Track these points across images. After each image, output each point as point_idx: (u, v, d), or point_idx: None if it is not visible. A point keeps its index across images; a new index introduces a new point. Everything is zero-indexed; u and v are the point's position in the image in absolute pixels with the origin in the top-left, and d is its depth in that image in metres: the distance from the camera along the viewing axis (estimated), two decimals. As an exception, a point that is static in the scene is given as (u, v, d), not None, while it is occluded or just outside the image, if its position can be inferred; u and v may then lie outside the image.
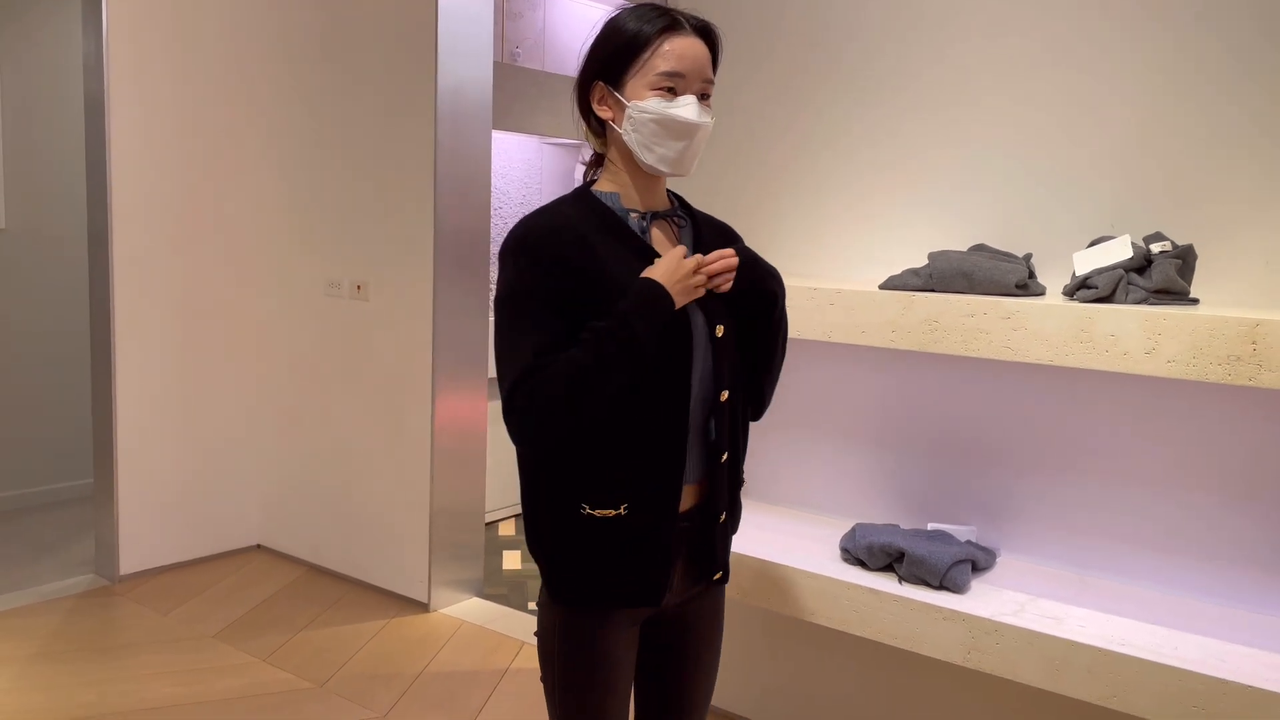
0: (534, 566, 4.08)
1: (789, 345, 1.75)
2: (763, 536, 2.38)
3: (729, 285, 1.45)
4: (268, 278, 4.02)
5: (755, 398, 1.61)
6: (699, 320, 1.47)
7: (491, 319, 4.11)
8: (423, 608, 3.58)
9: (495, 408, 4.25)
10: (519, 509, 4.70)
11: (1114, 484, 2.17)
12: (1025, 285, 2.07)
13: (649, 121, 1.44)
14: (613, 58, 1.46)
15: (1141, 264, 1.93)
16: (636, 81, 1.45)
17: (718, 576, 1.60)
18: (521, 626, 3.44)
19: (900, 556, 2.15)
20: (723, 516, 1.56)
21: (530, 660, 3.18)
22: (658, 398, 1.43)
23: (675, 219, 1.55)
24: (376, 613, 3.53)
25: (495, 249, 4.65)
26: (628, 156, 1.49)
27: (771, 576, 2.23)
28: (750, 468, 1.86)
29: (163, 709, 2.79)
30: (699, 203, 1.66)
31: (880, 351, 2.44)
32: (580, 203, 1.49)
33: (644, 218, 1.51)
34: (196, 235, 3.82)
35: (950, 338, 2.03)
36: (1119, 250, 1.95)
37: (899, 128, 2.43)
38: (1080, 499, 2.21)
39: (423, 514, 3.57)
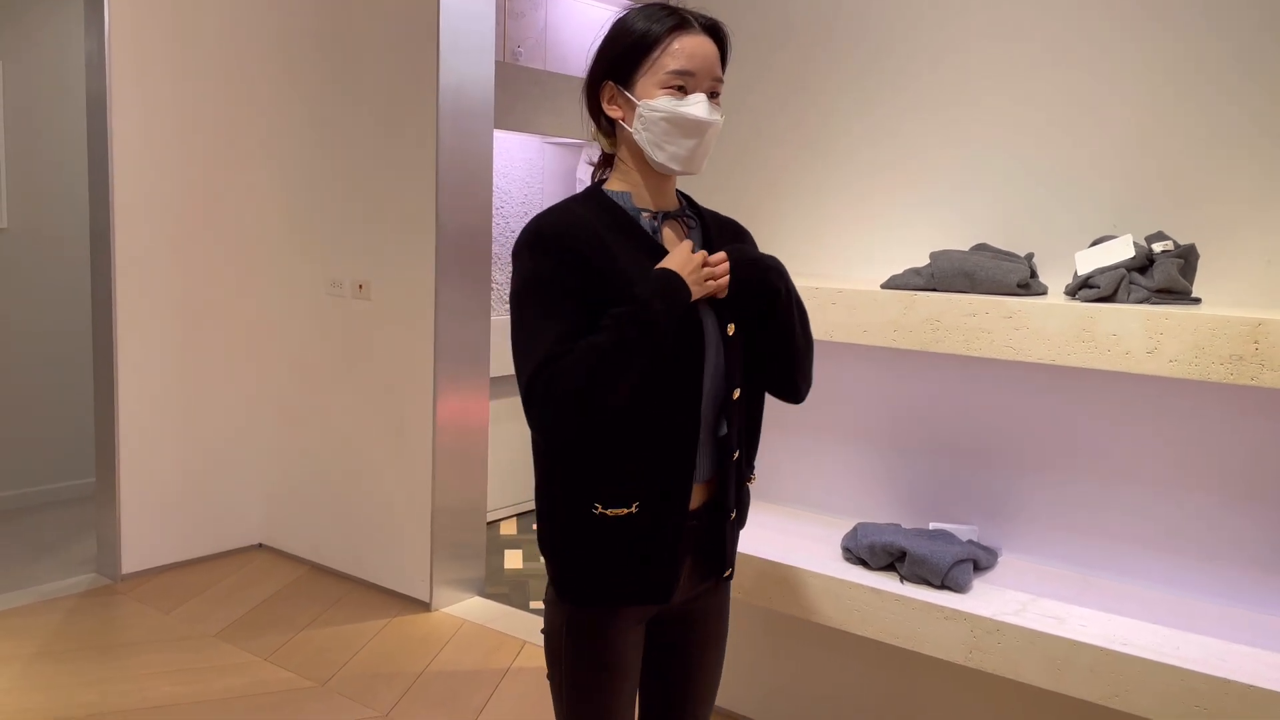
0: (535, 566, 4.08)
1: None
2: (765, 536, 2.38)
3: (724, 292, 1.46)
4: (269, 277, 4.02)
5: (788, 387, 1.60)
6: (710, 320, 1.48)
7: (493, 319, 4.13)
8: (424, 607, 3.58)
9: (497, 406, 4.25)
10: (520, 508, 4.74)
11: (1116, 483, 2.17)
12: (1027, 285, 2.07)
13: (659, 120, 1.44)
14: (622, 57, 1.47)
15: (1143, 263, 1.93)
16: (646, 80, 1.45)
17: (727, 574, 1.60)
18: (523, 626, 3.44)
19: (902, 556, 2.15)
20: (732, 514, 1.56)
21: (532, 660, 3.18)
22: (670, 396, 1.43)
23: (685, 219, 1.56)
24: (378, 612, 3.53)
25: (497, 248, 4.65)
26: (638, 156, 1.49)
27: (773, 576, 2.23)
28: (755, 466, 1.87)
29: (164, 708, 2.79)
30: (702, 202, 1.66)
31: (882, 351, 2.44)
32: (592, 202, 1.50)
33: (655, 217, 1.51)
34: (198, 235, 3.82)
35: (952, 337, 2.03)
36: (1121, 250, 1.95)
37: (900, 127, 2.44)
38: (1082, 498, 2.21)
39: (424, 513, 3.57)
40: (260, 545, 4.15)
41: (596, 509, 1.43)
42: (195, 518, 3.92)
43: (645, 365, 1.37)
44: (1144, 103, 2.11)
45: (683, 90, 1.45)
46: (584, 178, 4.88)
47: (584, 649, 1.51)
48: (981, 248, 2.22)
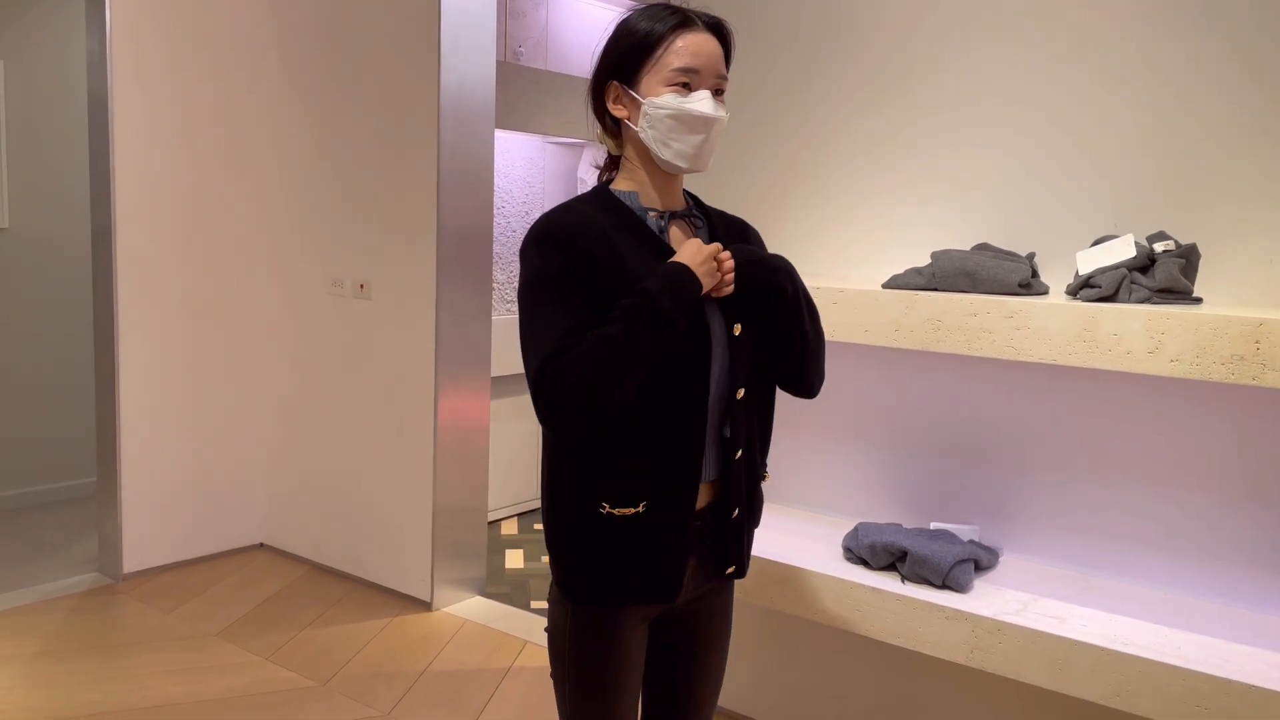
0: (537, 565, 4.09)
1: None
2: (766, 535, 2.38)
3: (730, 289, 1.46)
4: (270, 276, 4.02)
5: (800, 383, 1.60)
6: (717, 320, 1.48)
7: (494, 318, 4.13)
8: (425, 606, 3.58)
9: (498, 406, 4.25)
10: (521, 508, 4.75)
11: (1117, 483, 2.17)
12: (1028, 284, 2.07)
13: (665, 117, 1.45)
14: (626, 56, 1.48)
15: (1145, 263, 1.93)
16: (651, 78, 1.46)
17: (730, 570, 1.59)
18: (524, 625, 3.45)
19: (903, 556, 2.15)
20: (735, 513, 1.56)
21: (533, 659, 3.18)
22: (676, 395, 1.44)
23: (692, 218, 1.56)
24: (379, 611, 3.54)
25: (498, 248, 4.65)
26: (645, 155, 1.50)
27: (774, 575, 2.23)
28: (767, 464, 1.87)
29: (165, 707, 2.80)
30: (704, 201, 1.66)
31: (883, 350, 2.44)
32: (598, 201, 1.50)
33: (662, 217, 1.52)
34: (199, 234, 3.82)
35: (953, 337, 2.03)
36: (1122, 249, 1.95)
37: (902, 127, 2.44)
38: (1083, 498, 2.21)
39: (425, 513, 3.57)
40: (261, 545, 4.15)
41: (604, 508, 1.43)
42: (196, 517, 3.92)
43: (653, 359, 1.37)
44: (1144, 103, 2.11)
45: (687, 88, 1.46)
46: (585, 177, 4.88)
47: (588, 648, 1.51)
48: (983, 247, 2.22)
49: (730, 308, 1.50)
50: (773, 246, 2.55)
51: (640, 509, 1.44)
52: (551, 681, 1.59)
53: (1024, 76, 2.26)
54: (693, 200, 1.61)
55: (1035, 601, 2.05)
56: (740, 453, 1.53)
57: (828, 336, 2.16)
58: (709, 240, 1.56)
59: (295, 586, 3.74)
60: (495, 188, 4.44)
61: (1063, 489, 2.24)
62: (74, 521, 4.36)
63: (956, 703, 2.41)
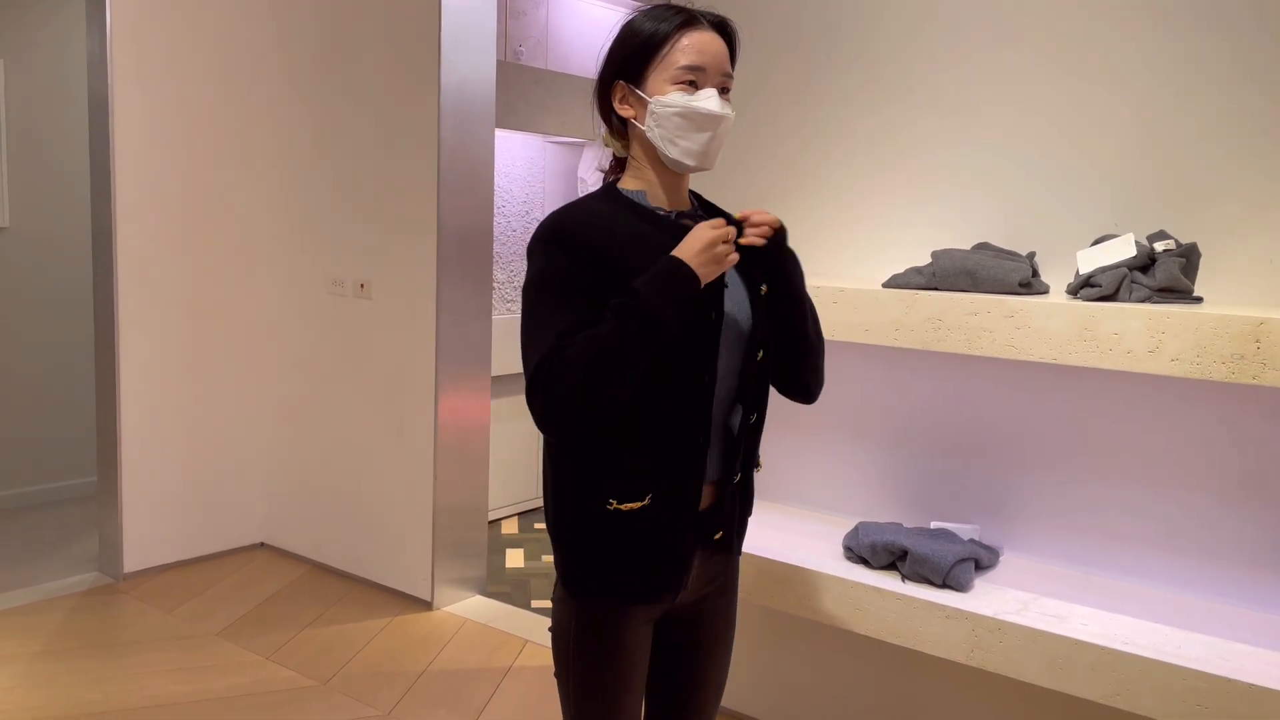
0: (537, 565, 4.09)
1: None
2: (766, 535, 2.38)
3: (762, 241, 1.48)
4: (271, 276, 4.02)
5: (800, 387, 1.63)
6: (725, 317, 1.49)
7: (494, 318, 4.13)
8: (426, 606, 3.58)
9: (498, 405, 4.25)
10: (522, 507, 4.75)
11: (1117, 482, 2.17)
12: (1029, 284, 2.07)
13: (672, 115, 1.45)
14: (632, 56, 1.48)
15: (1145, 262, 1.93)
16: (657, 77, 1.46)
17: (719, 536, 1.56)
18: (525, 625, 3.45)
19: (903, 555, 2.15)
20: (737, 511, 1.58)
21: (533, 659, 3.18)
22: (682, 391, 1.44)
23: (699, 218, 1.56)
24: (380, 611, 3.54)
25: (499, 247, 4.66)
26: (652, 154, 1.50)
27: (775, 575, 2.23)
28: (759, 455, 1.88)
29: (166, 707, 2.80)
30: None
31: (884, 350, 2.44)
32: (608, 199, 1.51)
33: (669, 216, 1.52)
34: (200, 234, 3.82)
35: (954, 336, 2.03)
36: (1122, 249, 1.95)
37: (902, 127, 2.44)
38: (1083, 497, 2.21)
39: (426, 512, 3.58)
40: (262, 544, 4.15)
41: (610, 504, 1.44)
42: (197, 517, 3.92)
43: (646, 358, 1.37)
44: (1144, 103, 2.11)
45: (694, 86, 1.46)
46: (585, 177, 4.88)
47: (592, 647, 1.51)
48: (983, 247, 2.22)
49: (756, 268, 1.52)
50: (773, 246, 2.54)
51: (646, 501, 1.44)
52: (554, 681, 1.59)
53: (1024, 77, 2.26)
54: (698, 200, 1.61)
55: (1035, 601, 2.05)
56: (743, 453, 1.54)
57: (828, 336, 2.16)
58: None
59: (295, 586, 3.74)
60: (495, 187, 4.44)
61: (1063, 488, 2.24)
62: (74, 521, 4.36)
63: (957, 702, 2.41)
